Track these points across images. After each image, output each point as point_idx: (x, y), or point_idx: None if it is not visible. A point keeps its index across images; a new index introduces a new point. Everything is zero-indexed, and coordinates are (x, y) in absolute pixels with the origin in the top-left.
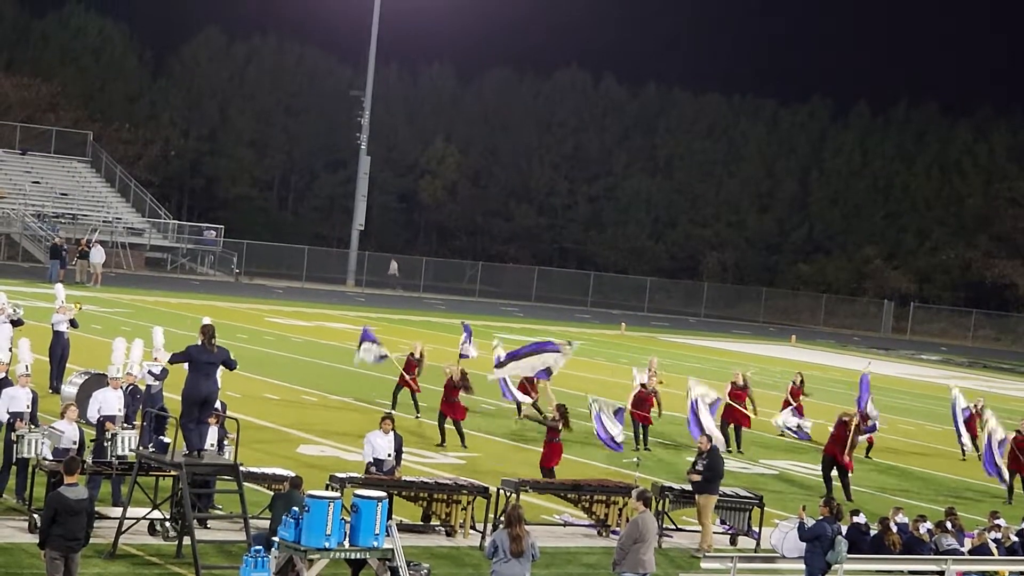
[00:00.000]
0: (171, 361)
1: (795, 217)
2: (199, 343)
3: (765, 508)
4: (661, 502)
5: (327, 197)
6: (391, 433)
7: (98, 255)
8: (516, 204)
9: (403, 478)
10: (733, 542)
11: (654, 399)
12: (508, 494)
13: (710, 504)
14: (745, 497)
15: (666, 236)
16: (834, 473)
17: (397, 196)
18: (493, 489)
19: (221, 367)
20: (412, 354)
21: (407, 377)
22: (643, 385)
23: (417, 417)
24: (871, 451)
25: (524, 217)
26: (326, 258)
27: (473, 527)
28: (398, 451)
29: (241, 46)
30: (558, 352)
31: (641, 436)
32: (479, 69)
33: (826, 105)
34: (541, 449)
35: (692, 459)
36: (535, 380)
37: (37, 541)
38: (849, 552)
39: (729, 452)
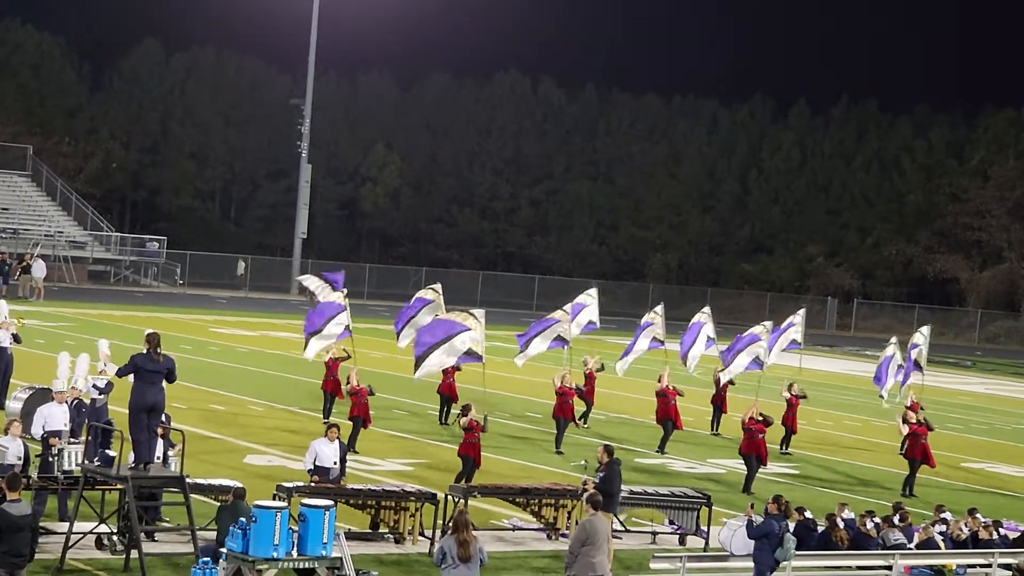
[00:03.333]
0: (118, 374)
1: (737, 217)
2: (144, 352)
3: (713, 507)
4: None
5: (269, 206)
6: (336, 441)
7: (39, 269)
8: (459, 209)
9: (349, 486)
10: (682, 542)
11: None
12: (456, 500)
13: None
14: (692, 497)
15: (609, 239)
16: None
17: (339, 204)
18: (441, 495)
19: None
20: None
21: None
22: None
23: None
24: (788, 444)
25: (467, 222)
26: (269, 267)
27: (422, 534)
28: (343, 459)
29: (180, 58)
30: (467, 329)
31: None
32: (418, 75)
33: (766, 105)
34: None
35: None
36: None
37: None
38: (797, 549)
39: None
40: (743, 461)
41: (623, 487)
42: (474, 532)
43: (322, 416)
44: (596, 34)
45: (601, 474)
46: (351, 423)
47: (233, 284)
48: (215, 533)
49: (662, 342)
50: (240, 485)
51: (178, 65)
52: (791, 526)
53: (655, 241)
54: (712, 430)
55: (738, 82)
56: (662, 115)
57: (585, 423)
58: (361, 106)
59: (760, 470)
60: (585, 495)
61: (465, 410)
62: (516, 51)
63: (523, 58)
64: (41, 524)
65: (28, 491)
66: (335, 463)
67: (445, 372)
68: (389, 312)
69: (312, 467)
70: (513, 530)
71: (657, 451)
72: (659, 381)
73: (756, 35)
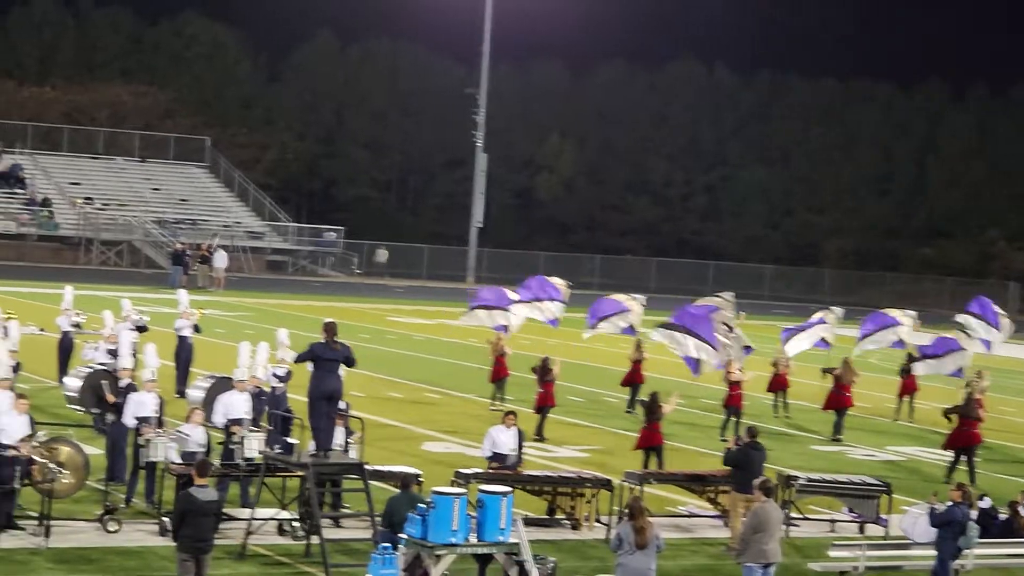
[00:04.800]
0: (296, 361)
1: (914, 201)
2: (322, 341)
3: (893, 495)
4: (787, 491)
5: (445, 195)
6: (513, 428)
7: (221, 260)
8: (633, 197)
9: (526, 472)
10: (861, 530)
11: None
12: (631, 486)
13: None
14: (872, 485)
15: (784, 224)
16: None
17: (514, 192)
18: (616, 481)
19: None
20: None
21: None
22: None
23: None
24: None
25: (641, 209)
26: (445, 256)
27: (598, 520)
28: (520, 446)
29: (355, 48)
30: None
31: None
32: (591, 63)
33: (942, 87)
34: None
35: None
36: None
37: (168, 543)
38: (979, 537)
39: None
40: (954, 454)
41: (800, 475)
42: (650, 519)
43: (496, 402)
44: (769, 18)
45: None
46: (538, 413)
47: (410, 274)
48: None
49: (830, 344)
50: (412, 471)
51: (352, 56)
52: (974, 514)
53: (830, 226)
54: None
55: (913, 64)
56: (837, 99)
57: (787, 414)
58: (535, 95)
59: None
60: (756, 482)
61: (654, 398)
62: (689, 37)
63: (696, 44)
64: (224, 511)
65: (210, 478)
66: (512, 450)
67: (634, 362)
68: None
69: (490, 454)
70: (689, 517)
71: (832, 439)
72: (829, 371)
73: (931, 16)
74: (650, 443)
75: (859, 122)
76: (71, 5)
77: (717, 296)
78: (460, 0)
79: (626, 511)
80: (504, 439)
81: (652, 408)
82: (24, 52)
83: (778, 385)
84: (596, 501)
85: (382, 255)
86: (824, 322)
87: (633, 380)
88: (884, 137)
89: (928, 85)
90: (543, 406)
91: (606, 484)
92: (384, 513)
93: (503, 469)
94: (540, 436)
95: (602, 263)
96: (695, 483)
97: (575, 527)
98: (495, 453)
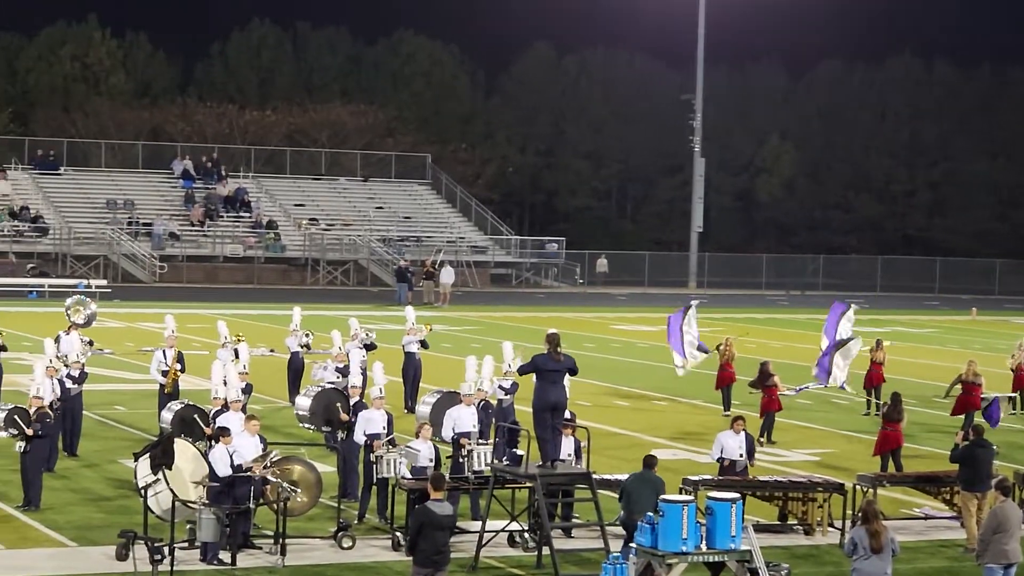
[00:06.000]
0: (519, 372)
1: None
2: (545, 352)
3: None
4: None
5: (665, 202)
6: (742, 433)
7: (448, 275)
8: (855, 195)
9: (756, 478)
10: None
11: None
12: (864, 489)
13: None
14: None
15: (1013, 217)
16: None
17: (734, 196)
18: (849, 485)
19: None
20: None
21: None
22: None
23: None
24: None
25: (864, 207)
26: (667, 262)
27: (831, 524)
28: (750, 451)
29: (571, 59)
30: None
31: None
32: (808, 63)
33: None
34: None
35: None
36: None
37: (401, 557)
38: None
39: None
40: None
41: None
42: (884, 522)
43: (723, 409)
44: (990, 11)
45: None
46: (762, 417)
47: (632, 281)
48: (622, 529)
49: None
50: (649, 454)
51: (569, 67)
52: None
53: None
54: None
55: None
56: None
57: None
58: (752, 97)
59: None
60: (994, 481)
61: (895, 399)
62: (907, 33)
63: (915, 40)
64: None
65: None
66: (741, 455)
67: (874, 363)
68: (787, 301)
69: (718, 457)
70: (924, 519)
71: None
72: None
73: None
74: (890, 445)
75: None
76: (289, 29)
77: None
78: (674, 6)
79: (860, 515)
80: (733, 444)
81: (892, 410)
82: (244, 77)
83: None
84: (828, 505)
85: (602, 264)
86: None
87: (873, 382)
88: None
89: None
90: (768, 411)
91: (838, 488)
92: (621, 491)
93: (732, 475)
94: (767, 439)
95: (825, 263)
96: (929, 484)
97: (808, 532)
98: (724, 459)
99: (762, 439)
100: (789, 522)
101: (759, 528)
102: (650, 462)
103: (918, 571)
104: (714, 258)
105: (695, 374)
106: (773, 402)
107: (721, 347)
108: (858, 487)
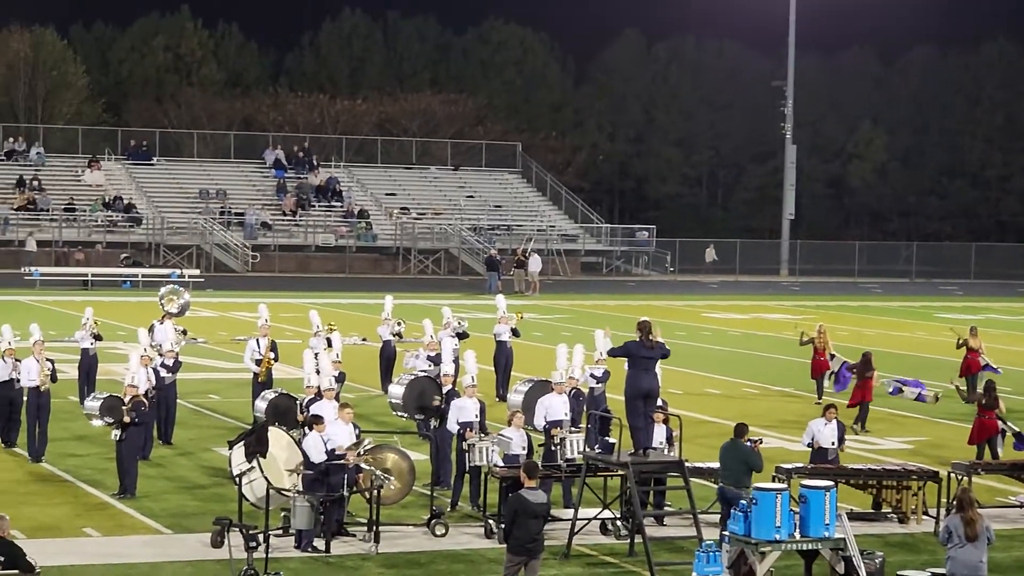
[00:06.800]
0: (609, 354)
1: None
2: (637, 339)
3: None
4: None
5: (756, 189)
6: (833, 421)
7: (535, 264)
8: (949, 181)
9: (848, 466)
10: None
11: None
12: (959, 477)
13: None
14: None
15: None
16: None
17: (826, 182)
18: (943, 473)
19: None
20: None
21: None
22: None
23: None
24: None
25: (958, 193)
26: (758, 250)
27: (926, 513)
28: (840, 439)
29: (661, 47)
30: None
31: None
32: (901, 49)
33: None
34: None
35: None
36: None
37: (495, 545)
38: None
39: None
40: None
41: None
42: (979, 510)
43: (816, 397)
44: None
45: None
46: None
47: (723, 269)
48: (717, 516)
49: None
50: (740, 422)
51: (659, 54)
52: None
53: None
54: None
55: None
56: None
57: None
58: (844, 83)
59: None
60: None
61: (990, 386)
62: (1001, 17)
63: (1009, 24)
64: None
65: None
66: (832, 443)
67: (970, 351)
68: (881, 289)
69: (807, 443)
70: (1020, 507)
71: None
72: None
73: None
74: (987, 433)
75: None
76: (379, 19)
77: None
78: None
79: (955, 503)
80: (825, 432)
81: (988, 397)
82: (335, 66)
83: None
84: (923, 493)
85: (711, 254)
86: None
87: (971, 370)
88: None
89: None
90: (862, 401)
91: (933, 476)
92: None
93: (823, 462)
94: (860, 427)
95: (919, 250)
96: (1023, 471)
97: (902, 520)
98: (816, 447)
99: (856, 426)
100: (883, 510)
101: (853, 516)
102: (740, 431)
103: (1014, 559)
104: (806, 245)
105: (787, 362)
106: (868, 392)
107: (815, 336)
108: (953, 475)
